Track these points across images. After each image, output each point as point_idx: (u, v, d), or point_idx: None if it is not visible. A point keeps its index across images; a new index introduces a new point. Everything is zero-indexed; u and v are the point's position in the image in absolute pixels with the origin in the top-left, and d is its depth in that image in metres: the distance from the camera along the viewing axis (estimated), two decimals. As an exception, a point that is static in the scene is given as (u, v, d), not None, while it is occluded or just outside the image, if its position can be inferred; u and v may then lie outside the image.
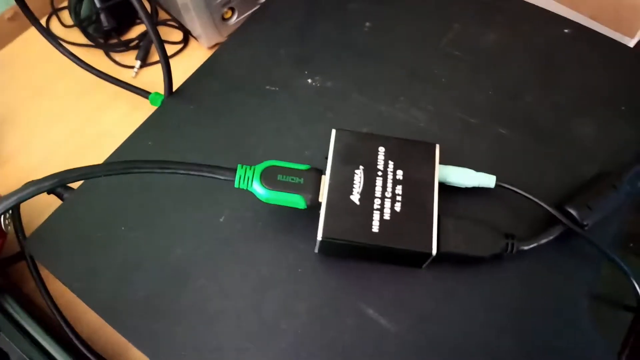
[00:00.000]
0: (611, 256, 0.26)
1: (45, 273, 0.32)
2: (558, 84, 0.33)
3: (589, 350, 0.25)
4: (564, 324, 0.26)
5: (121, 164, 0.24)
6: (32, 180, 0.23)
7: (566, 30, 0.35)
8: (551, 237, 0.27)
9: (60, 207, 0.30)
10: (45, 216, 0.30)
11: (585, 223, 0.26)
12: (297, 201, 0.25)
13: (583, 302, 0.26)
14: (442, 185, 0.27)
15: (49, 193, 0.31)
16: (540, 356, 0.25)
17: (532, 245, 0.26)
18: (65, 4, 0.49)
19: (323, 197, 0.25)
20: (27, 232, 0.33)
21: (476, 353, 0.25)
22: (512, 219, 0.28)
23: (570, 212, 0.27)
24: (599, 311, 0.26)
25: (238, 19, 0.43)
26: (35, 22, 0.42)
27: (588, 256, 0.27)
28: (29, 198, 0.23)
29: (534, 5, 0.36)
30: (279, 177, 0.25)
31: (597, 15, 0.40)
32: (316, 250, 0.27)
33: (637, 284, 0.26)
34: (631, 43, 0.40)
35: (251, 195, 0.26)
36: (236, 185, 0.25)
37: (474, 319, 0.26)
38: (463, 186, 0.28)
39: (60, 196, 0.31)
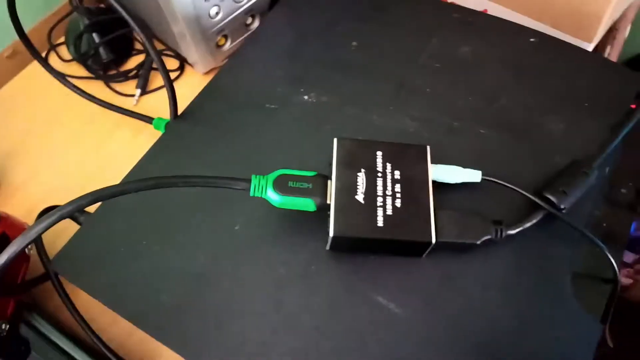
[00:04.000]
0: (587, 234, 0.29)
1: (69, 291, 0.34)
2: (528, 87, 0.37)
3: (574, 319, 0.28)
4: (551, 297, 0.29)
5: (149, 180, 0.27)
6: (65, 203, 0.25)
7: (532, 39, 0.39)
8: (534, 221, 0.30)
9: (81, 228, 0.32)
10: (61, 239, 0.31)
11: (562, 206, 0.30)
12: (307, 204, 0.28)
13: (566, 277, 0.29)
14: (433, 182, 0.29)
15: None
16: (531, 326, 0.28)
17: (517, 230, 0.30)
18: (61, 40, 0.52)
19: (331, 199, 0.28)
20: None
21: (476, 326, 0.28)
22: (498, 208, 0.31)
23: (549, 198, 0.30)
24: (581, 284, 0.29)
25: (231, 46, 0.46)
26: (37, 56, 0.44)
27: (568, 236, 0.30)
28: (63, 219, 0.25)
29: (501, 18, 0.40)
30: (290, 183, 0.28)
31: (558, 24, 0.44)
32: (327, 247, 0.29)
33: (612, 257, 0.29)
34: (589, 47, 0.44)
35: (261, 203, 0.28)
36: (251, 194, 0.28)
37: (471, 298, 0.29)
38: (453, 182, 0.31)
39: (76, 219, 0.34)
